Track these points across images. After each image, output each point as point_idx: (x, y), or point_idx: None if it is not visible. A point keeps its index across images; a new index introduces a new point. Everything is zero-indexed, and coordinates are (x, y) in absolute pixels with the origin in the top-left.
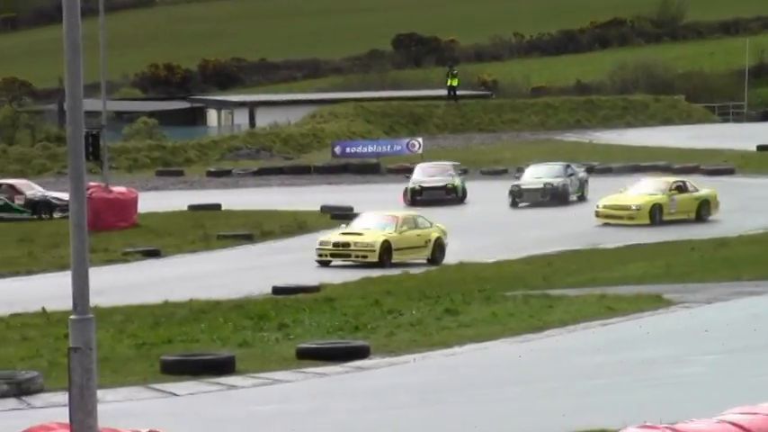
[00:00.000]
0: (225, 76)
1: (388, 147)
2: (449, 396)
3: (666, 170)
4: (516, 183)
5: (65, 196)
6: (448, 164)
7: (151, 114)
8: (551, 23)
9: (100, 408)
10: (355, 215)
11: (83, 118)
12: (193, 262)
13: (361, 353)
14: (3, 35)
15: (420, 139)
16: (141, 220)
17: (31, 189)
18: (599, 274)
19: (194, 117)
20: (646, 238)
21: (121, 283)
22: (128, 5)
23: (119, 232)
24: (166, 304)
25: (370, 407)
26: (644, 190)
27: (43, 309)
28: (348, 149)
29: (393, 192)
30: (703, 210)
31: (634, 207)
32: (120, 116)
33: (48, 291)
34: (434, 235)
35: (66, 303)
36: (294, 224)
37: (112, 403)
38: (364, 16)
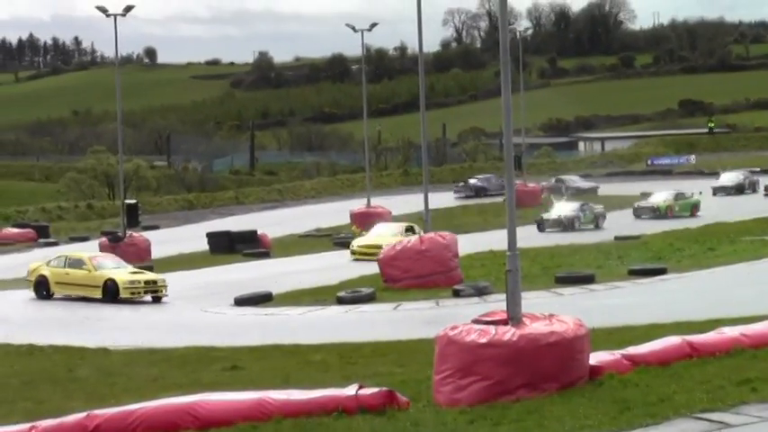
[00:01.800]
0: (589, 124)
1: (677, 160)
2: (719, 292)
3: None
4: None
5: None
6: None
7: (548, 144)
8: None
9: (523, 303)
10: None
11: (512, 147)
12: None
13: (662, 272)
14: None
15: (693, 156)
16: (544, 201)
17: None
18: None
19: (571, 146)
20: None
21: (529, 235)
22: (534, 87)
23: (532, 208)
24: (557, 246)
25: (671, 299)
26: (384, 231)
27: (491, 250)
28: (656, 161)
29: None
30: None
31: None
32: (531, 146)
33: (494, 239)
34: None
35: (503, 246)
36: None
37: (529, 300)
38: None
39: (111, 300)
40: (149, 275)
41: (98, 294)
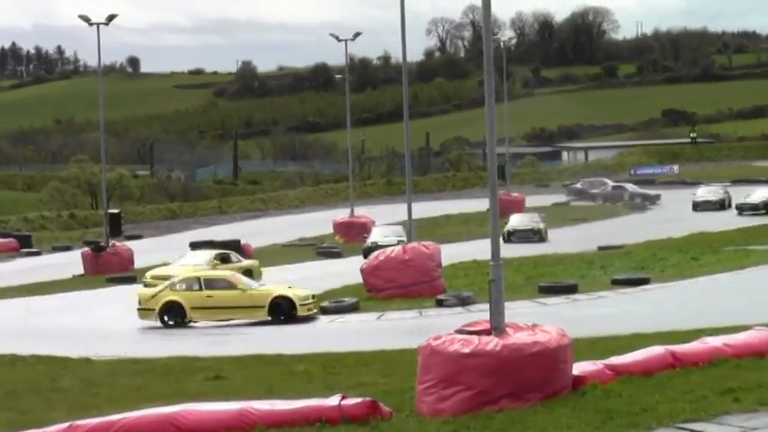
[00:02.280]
0: (573, 133)
1: (660, 169)
2: (702, 302)
3: None
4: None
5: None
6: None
7: (532, 154)
8: None
9: (506, 313)
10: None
11: (496, 157)
12: (561, 231)
13: (645, 282)
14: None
15: (677, 166)
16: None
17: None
18: None
19: (554, 155)
20: None
21: (513, 245)
22: (518, 96)
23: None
24: (542, 256)
25: (654, 309)
26: (190, 261)
27: (475, 260)
28: (639, 171)
29: None
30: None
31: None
32: (514, 156)
33: (478, 249)
34: None
35: (487, 255)
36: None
37: (512, 309)
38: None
39: (284, 320)
40: (310, 290)
41: (262, 315)
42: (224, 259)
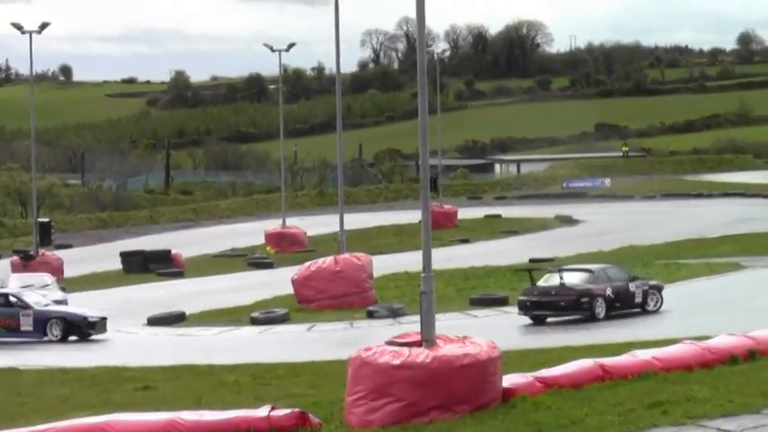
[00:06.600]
0: (505, 146)
1: (591, 183)
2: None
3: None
4: None
5: None
6: None
7: (465, 166)
8: None
9: (437, 325)
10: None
11: (428, 169)
12: (491, 243)
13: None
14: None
15: (608, 179)
16: (459, 223)
17: None
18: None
19: (487, 168)
20: None
21: (445, 257)
22: (451, 108)
23: (447, 229)
24: (473, 268)
25: (585, 321)
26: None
27: (406, 271)
28: (571, 184)
29: None
30: None
31: None
32: (447, 168)
33: (404, 261)
34: None
35: (419, 267)
36: (541, 224)
37: (444, 321)
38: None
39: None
40: None
41: None
42: None
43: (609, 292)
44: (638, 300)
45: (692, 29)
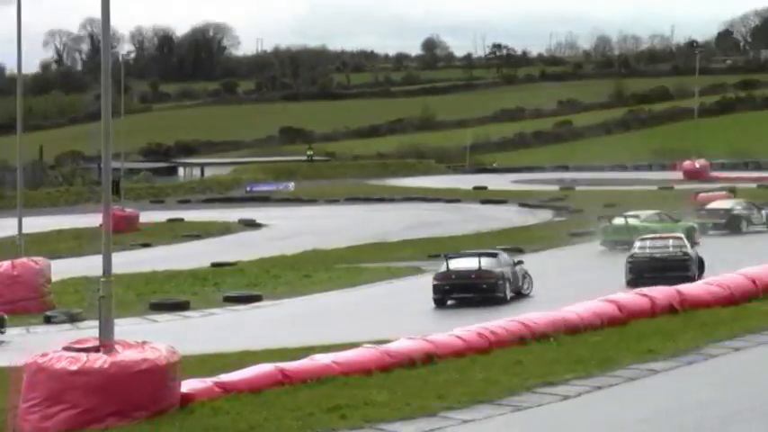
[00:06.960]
0: (190, 149)
1: (275, 186)
2: (314, 319)
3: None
4: None
5: None
6: None
7: (148, 169)
8: None
9: (115, 329)
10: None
11: (111, 171)
12: (173, 247)
13: (257, 299)
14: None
15: (293, 183)
16: (142, 227)
17: None
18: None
19: (171, 171)
20: None
21: (126, 261)
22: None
23: (129, 233)
24: (154, 272)
25: (265, 326)
26: None
27: (86, 276)
28: (255, 188)
29: None
30: None
31: None
32: (130, 171)
33: (84, 265)
34: None
35: (99, 272)
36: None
37: (122, 326)
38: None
39: None
40: None
41: None
42: None
43: (509, 275)
44: (520, 283)
45: (376, 34)
